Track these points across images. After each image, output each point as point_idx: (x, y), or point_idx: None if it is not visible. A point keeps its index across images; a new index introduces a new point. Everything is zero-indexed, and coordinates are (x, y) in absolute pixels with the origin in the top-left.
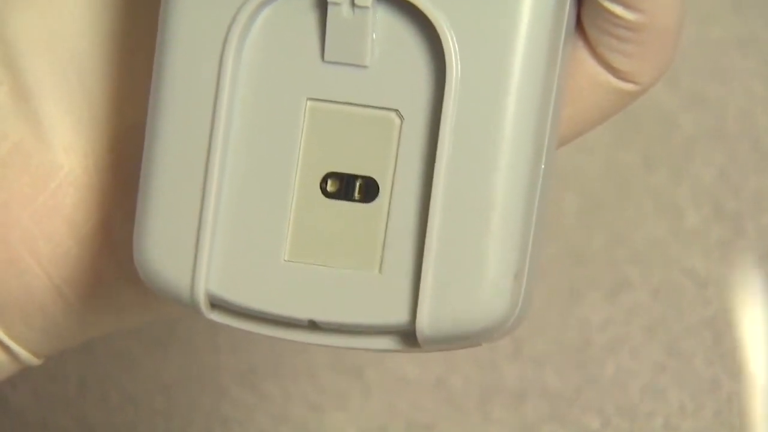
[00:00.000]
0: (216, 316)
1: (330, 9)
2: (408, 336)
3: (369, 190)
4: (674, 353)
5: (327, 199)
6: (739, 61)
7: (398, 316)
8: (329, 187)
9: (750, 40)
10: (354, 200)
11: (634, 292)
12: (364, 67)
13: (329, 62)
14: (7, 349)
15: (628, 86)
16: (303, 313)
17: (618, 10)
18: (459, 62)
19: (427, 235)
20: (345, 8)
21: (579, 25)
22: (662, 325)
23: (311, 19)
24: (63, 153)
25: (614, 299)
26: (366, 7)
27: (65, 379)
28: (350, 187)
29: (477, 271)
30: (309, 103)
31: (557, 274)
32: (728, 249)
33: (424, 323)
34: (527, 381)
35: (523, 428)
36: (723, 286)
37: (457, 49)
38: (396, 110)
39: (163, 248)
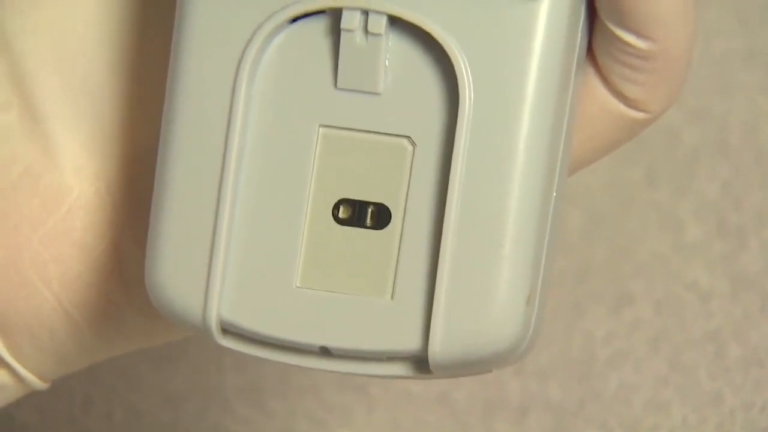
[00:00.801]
0: (228, 342)
1: (343, 36)
2: (420, 362)
3: (381, 216)
4: (677, 367)
5: (339, 226)
6: (743, 75)
7: (410, 342)
8: (341, 214)
9: (754, 53)
10: (366, 227)
11: (637, 306)
12: (377, 94)
13: (342, 89)
14: (14, 372)
15: (639, 114)
16: (315, 340)
17: (630, 38)
18: (472, 89)
19: (440, 261)
20: (358, 35)
21: (590, 53)
22: (665, 338)
23: (324, 45)
24: (73, 175)
25: (617, 313)
26: (379, 35)
27: (70, 395)
28: (362, 214)
29: (489, 297)
30: (321, 129)
31: (561, 288)
32: (731, 263)
33: (437, 350)
34: (530, 395)
35: None
36: (725, 300)
37: (469, 75)
38: (408, 137)
39: (175, 274)
